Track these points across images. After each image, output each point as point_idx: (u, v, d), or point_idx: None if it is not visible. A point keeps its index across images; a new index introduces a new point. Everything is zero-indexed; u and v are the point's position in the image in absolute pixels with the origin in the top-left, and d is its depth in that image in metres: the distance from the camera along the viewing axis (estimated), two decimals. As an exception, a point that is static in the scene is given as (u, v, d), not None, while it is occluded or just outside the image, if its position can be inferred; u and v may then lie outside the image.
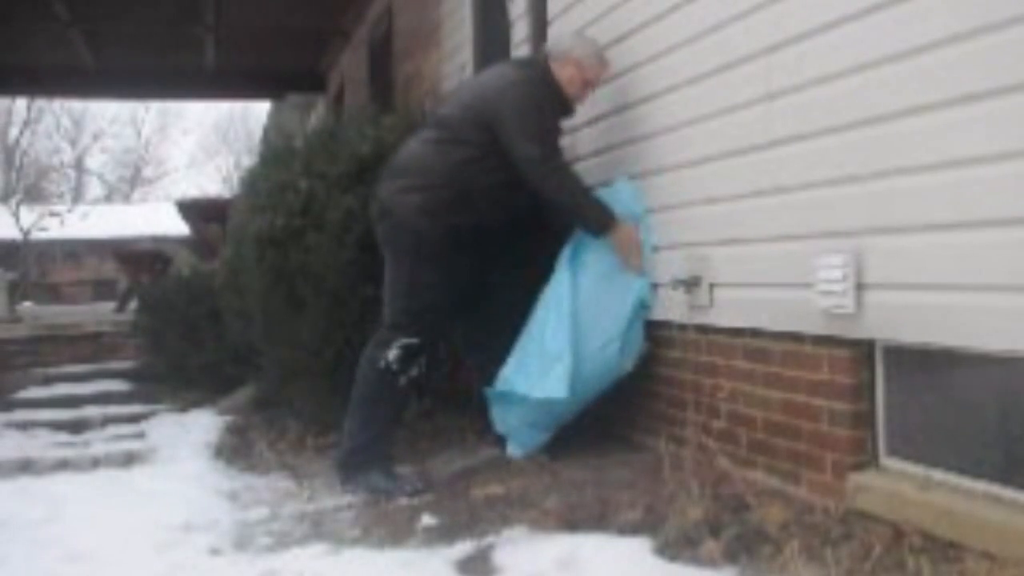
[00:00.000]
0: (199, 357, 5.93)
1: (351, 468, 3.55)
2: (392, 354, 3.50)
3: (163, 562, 2.91)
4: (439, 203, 3.52)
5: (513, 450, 3.65)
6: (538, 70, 3.64)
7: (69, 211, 31.85)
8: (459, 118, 3.60)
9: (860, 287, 2.55)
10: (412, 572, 2.63)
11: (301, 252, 4.04)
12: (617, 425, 3.88)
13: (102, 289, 24.27)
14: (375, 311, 3.81)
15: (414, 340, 3.51)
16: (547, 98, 3.58)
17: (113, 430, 5.25)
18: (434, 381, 3.96)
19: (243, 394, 5.42)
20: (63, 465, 4.49)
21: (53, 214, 31.11)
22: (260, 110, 28.52)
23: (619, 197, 3.63)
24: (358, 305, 4.02)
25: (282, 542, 3.04)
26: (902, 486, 2.48)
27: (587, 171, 3.91)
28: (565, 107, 3.69)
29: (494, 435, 3.76)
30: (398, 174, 3.62)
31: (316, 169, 4.16)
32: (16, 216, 31.08)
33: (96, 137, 39.82)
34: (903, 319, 2.45)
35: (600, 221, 3.50)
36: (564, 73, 3.61)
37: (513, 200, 3.59)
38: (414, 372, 3.54)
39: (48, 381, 6.53)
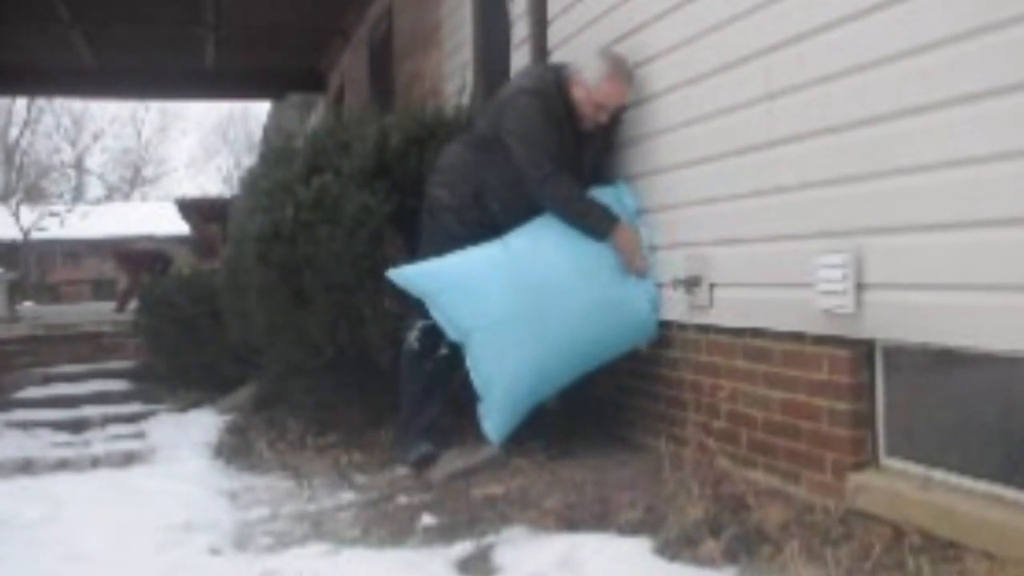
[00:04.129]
0: (199, 357, 5.92)
1: (399, 441, 3.95)
2: (413, 335, 3.78)
3: (163, 562, 2.91)
4: (460, 200, 3.79)
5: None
6: (554, 81, 3.68)
7: (69, 211, 31.86)
8: (483, 121, 3.86)
9: (860, 287, 2.55)
10: (412, 572, 2.63)
11: (311, 245, 4.04)
12: (617, 425, 3.89)
13: (102, 289, 24.30)
14: (382, 304, 4.01)
15: (430, 322, 3.65)
16: (551, 111, 3.62)
17: (113, 430, 5.24)
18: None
19: (243, 394, 5.42)
20: (63, 465, 4.49)
21: (53, 214, 31.13)
22: (260, 110, 28.51)
23: (619, 196, 3.65)
24: (366, 297, 4.05)
25: (282, 542, 3.03)
26: (902, 486, 2.48)
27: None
28: (575, 122, 3.66)
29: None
30: (435, 171, 3.92)
31: (331, 163, 4.16)
32: (16, 216, 31.10)
33: (96, 137, 39.83)
34: (903, 319, 2.45)
35: (602, 225, 3.53)
36: (576, 93, 3.64)
37: (524, 202, 3.64)
38: (443, 352, 3.68)
39: (48, 381, 6.52)
